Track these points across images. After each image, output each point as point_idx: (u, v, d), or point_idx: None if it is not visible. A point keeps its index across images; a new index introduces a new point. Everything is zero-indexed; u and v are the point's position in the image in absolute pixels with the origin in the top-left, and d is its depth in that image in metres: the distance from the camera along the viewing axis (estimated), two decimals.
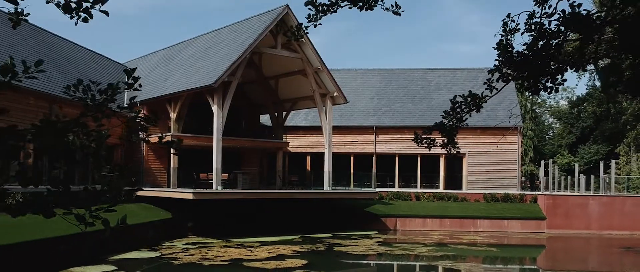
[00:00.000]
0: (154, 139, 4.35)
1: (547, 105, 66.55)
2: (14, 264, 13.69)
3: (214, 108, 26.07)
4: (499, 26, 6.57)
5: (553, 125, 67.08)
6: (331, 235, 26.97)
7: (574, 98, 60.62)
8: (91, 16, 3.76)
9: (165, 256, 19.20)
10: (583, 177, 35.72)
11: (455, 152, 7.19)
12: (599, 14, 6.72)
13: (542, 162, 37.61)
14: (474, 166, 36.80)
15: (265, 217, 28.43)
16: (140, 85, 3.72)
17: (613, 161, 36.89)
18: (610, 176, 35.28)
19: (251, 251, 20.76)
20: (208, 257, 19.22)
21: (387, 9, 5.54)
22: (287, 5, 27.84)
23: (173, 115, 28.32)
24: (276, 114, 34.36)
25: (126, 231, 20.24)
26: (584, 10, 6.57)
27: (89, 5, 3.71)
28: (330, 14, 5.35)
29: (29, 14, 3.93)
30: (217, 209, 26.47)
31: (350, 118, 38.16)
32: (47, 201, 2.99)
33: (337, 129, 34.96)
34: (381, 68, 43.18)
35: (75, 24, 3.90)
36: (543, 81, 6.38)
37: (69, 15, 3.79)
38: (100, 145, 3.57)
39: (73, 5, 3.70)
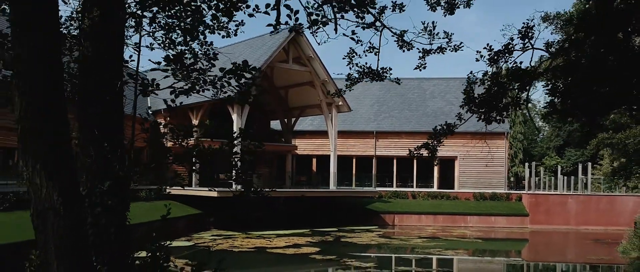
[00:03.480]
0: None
1: (537, 110, 69.70)
2: None
3: (234, 116, 29.34)
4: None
5: (542, 128, 70.18)
6: (336, 229, 30.10)
7: None
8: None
9: (199, 245, 22.51)
10: (565, 178, 38.94)
11: (436, 161, 10.60)
12: (532, 69, 10.05)
13: (527, 164, 40.80)
14: (465, 167, 39.62)
15: (277, 214, 31.45)
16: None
17: (589, 164, 40.05)
18: (587, 176, 38.52)
19: (270, 241, 24.09)
20: (235, 245, 22.57)
21: (391, 80, 8.94)
22: (301, 25, 31.01)
23: (195, 122, 31.55)
24: (286, 120, 37.67)
25: (165, 223, 23.55)
26: (523, 66, 9.94)
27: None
28: (358, 83, 8.79)
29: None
30: (235, 206, 29.64)
31: (352, 124, 40.73)
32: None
33: (341, 134, 37.42)
34: None
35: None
36: (493, 115, 9.72)
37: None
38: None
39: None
